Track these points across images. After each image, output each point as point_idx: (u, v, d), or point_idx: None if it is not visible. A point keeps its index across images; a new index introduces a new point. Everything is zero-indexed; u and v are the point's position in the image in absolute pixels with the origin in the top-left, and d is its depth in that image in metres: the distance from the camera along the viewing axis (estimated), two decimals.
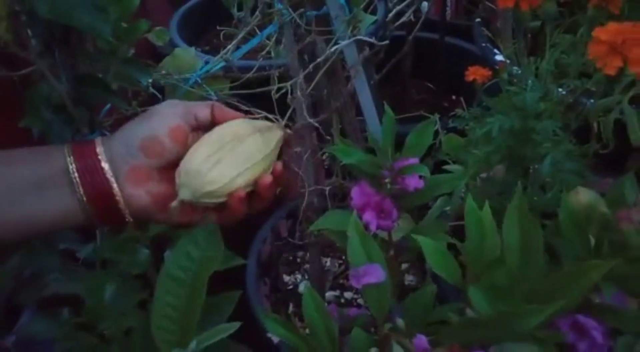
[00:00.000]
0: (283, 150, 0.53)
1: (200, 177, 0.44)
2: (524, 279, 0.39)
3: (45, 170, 0.43)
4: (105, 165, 0.43)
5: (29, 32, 0.50)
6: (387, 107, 0.63)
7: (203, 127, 0.48)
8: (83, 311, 0.65)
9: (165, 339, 0.42)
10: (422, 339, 0.41)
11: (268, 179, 0.48)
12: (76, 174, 0.43)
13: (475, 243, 0.41)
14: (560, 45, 0.58)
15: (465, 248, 0.42)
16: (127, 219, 0.45)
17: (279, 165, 0.50)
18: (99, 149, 0.44)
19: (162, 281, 0.43)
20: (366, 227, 0.55)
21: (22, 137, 0.97)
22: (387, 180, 0.57)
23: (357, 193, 0.57)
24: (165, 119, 0.45)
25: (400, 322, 0.47)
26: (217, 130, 0.47)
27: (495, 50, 1.05)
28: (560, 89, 0.57)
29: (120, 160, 0.44)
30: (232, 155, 0.46)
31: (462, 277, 0.41)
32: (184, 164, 0.45)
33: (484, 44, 1.09)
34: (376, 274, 0.45)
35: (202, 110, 0.47)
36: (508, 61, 0.68)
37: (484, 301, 0.37)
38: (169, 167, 0.46)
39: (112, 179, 0.43)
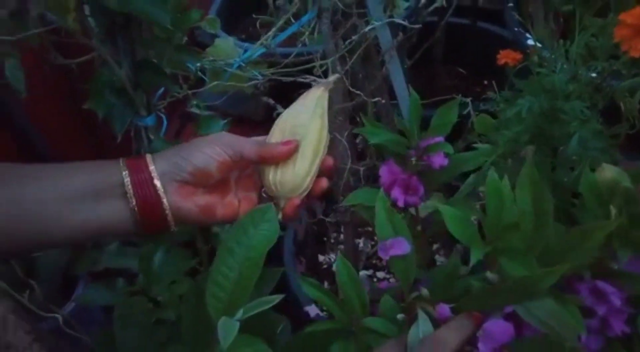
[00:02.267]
0: None
1: (289, 185, 0.51)
2: (537, 241, 0.42)
3: (102, 181, 0.47)
4: (157, 182, 0.48)
5: (92, 21, 0.55)
6: (412, 90, 0.65)
7: (251, 163, 0.52)
8: (137, 281, 0.70)
9: (215, 306, 0.45)
10: (444, 308, 0.44)
11: (330, 161, 0.54)
12: (130, 187, 0.47)
13: (494, 210, 0.44)
14: (590, 29, 0.60)
15: (485, 215, 0.45)
16: (172, 229, 0.50)
17: (331, 161, 0.54)
18: (152, 167, 0.48)
19: (219, 252, 0.46)
20: (394, 203, 0.58)
21: (76, 119, 1.03)
22: (413, 158, 0.60)
23: (385, 171, 0.60)
24: (217, 154, 0.49)
25: (424, 291, 0.49)
26: (284, 128, 0.52)
27: (527, 35, 1.06)
28: (590, 72, 0.58)
29: (170, 177, 0.48)
30: (304, 151, 0.51)
31: (482, 243, 0.44)
32: (273, 177, 0.51)
33: (515, 29, 1.10)
34: (402, 246, 0.48)
35: (249, 153, 0.51)
36: (539, 45, 0.70)
37: (503, 263, 0.41)
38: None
39: (163, 195, 0.48)
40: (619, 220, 0.43)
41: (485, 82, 1.44)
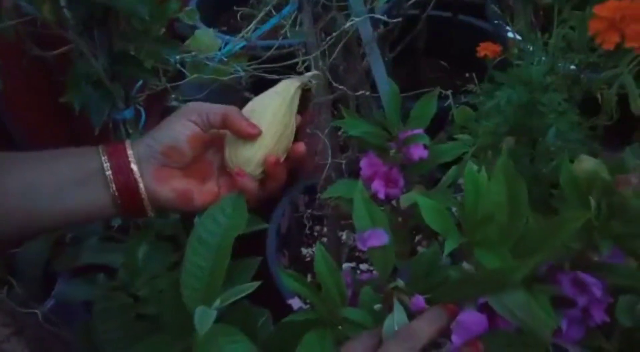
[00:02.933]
0: (301, 128, 0.57)
1: (243, 156, 0.51)
2: (511, 232, 0.42)
3: (84, 168, 0.48)
4: (134, 166, 0.48)
5: (68, 12, 0.54)
6: (391, 81, 0.66)
7: (217, 127, 0.52)
8: (117, 277, 0.70)
9: (192, 297, 0.45)
10: (419, 299, 0.44)
11: (300, 148, 0.54)
12: (109, 172, 0.48)
13: (471, 201, 0.44)
14: (569, 22, 0.60)
15: (462, 206, 0.45)
16: (149, 214, 0.50)
17: (302, 147, 0.54)
18: (130, 152, 0.49)
19: (191, 243, 0.47)
20: (375, 195, 0.58)
21: (53, 112, 1.02)
22: (393, 150, 0.60)
23: (366, 164, 0.60)
24: (185, 128, 0.49)
25: (400, 282, 0.49)
26: (246, 110, 0.53)
27: (508, 28, 1.06)
28: (568, 65, 0.59)
29: (146, 161, 0.49)
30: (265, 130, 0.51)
31: (458, 234, 0.44)
32: (230, 147, 0.51)
33: (496, 21, 1.10)
34: (380, 237, 0.48)
35: (214, 115, 0.50)
36: (519, 37, 0.70)
37: (478, 254, 0.41)
38: (190, 165, 0.51)
39: (140, 179, 0.48)
40: (596, 211, 0.43)
41: (467, 75, 1.45)
